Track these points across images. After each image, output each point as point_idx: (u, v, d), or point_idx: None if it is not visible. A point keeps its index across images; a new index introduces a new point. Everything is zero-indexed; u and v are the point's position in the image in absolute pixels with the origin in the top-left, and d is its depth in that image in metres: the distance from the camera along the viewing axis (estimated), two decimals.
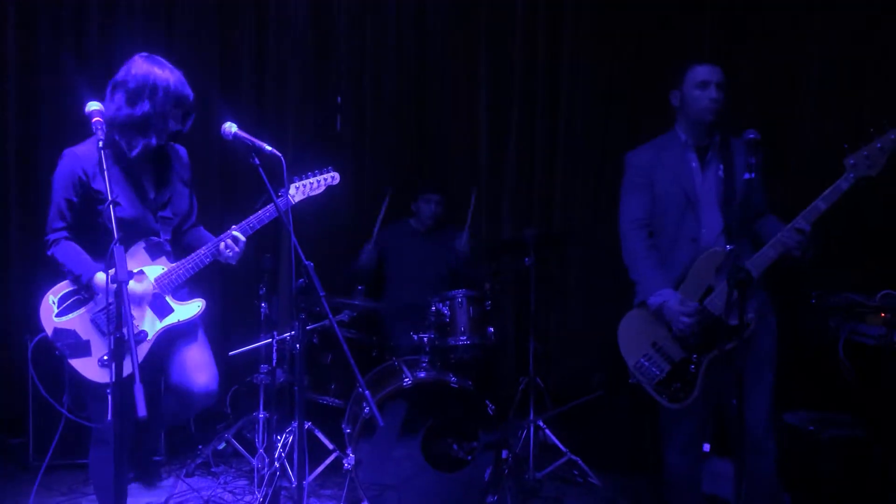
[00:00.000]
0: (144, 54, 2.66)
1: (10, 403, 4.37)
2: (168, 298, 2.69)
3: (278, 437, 3.79)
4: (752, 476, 2.82)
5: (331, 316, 2.50)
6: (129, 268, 2.60)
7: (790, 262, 2.81)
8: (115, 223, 2.48)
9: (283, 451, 3.76)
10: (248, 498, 3.79)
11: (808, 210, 2.72)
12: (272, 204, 2.84)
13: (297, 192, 2.94)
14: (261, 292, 4.02)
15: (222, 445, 4.14)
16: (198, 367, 2.72)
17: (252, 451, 3.99)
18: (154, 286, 2.64)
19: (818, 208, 2.71)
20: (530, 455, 4.06)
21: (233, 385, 4.60)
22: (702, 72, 2.95)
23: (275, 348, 3.70)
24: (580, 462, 4.12)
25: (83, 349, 2.52)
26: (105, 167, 2.24)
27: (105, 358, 2.54)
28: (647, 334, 3.05)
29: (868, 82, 4.80)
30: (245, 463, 4.12)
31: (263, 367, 3.92)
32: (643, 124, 5.14)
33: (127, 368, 2.51)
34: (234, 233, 2.70)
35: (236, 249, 2.70)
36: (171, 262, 2.70)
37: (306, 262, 2.44)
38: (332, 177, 3.04)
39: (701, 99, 2.93)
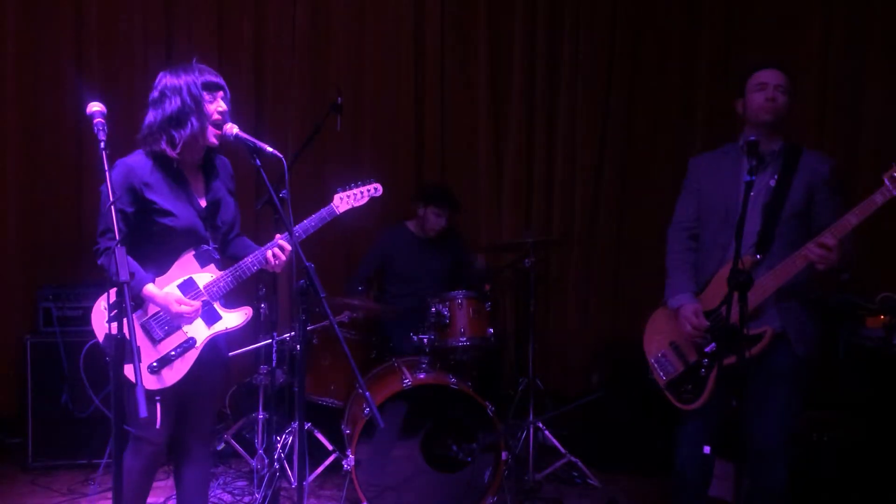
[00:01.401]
0: (164, 70, 2.67)
1: (8, 403, 4.37)
2: (216, 306, 2.71)
3: (278, 438, 3.79)
4: (761, 487, 2.81)
5: (331, 317, 2.49)
6: (180, 276, 2.64)
7: (829, 278, 2.71)
8: (168, 230, 2.56)
9: (283, 451, 3.76)
10: (247, 499, 3.78)
11: (837, 224, 2.58)
12: (319, 213, 2.85)
13: (342, 202, 2.96)
14: (260, 293, 4.02)
15: (221, 446, 4.14)
16: (212, 411, 2.87)
17: (251, 451, 3.99)
18: (203, 293, 2.65)
19: (849, 222, 2.56)
20: (530, 456, 4.07)
21: (232, 386, 4.60)
22: (761, 75, 2.92)
23: (274, 349, 3.70)
24: (579, 463, 4.12)
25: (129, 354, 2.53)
26: (106, 168, 2.23)
27: (155, 364, 2.56)
28: (667, 333, 3.06)
29: (866, 98, 4.83)
30: (244, 464, 4.12)
31: (263, 368, 3.92)
32: (640, 126, 5.17)
33: (175, 376, 2.59)
34: (281, 242, 2.71)
35: (283, 258, 2.71)
36: (220, 270, 2.72)
37: (307, 264, 2.44)
38: (374, 188, 3.07)
39: (757, 98, 2.90)
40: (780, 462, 2.84)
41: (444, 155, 5.13)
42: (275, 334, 3.72)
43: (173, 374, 2.59)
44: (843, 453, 3.54)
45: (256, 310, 4.05)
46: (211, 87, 2.63)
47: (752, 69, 2.96)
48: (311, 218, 2.84)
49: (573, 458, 4.13)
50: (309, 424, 3.85)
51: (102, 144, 2.26)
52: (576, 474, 4.14)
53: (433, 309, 3.96)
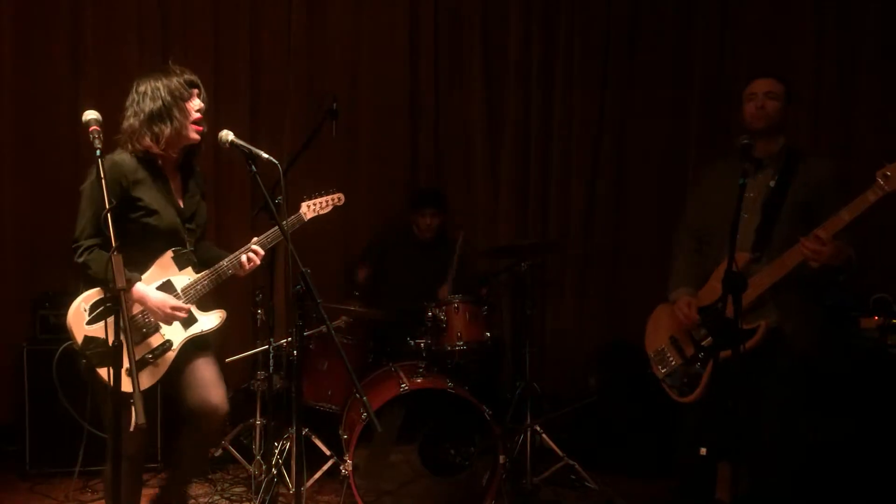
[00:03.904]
0: (141, 75, 2.72)
1: (5, 411, 4.37)
2: (192, 308, 2.72)
3: (275, 444, 3.79)
4: (763, 483, 2.82)
5: (328, 322, 2.50)
6: (158, 277, 2.65)
7: (827, 278, 2.74)
8: (151, 230, 2.58)
9: (280, 457, 3.76)
10: None
11: (831, 220, 2.61)
12: (289, 220, 2.94)
13: (309, 210, 3.15)
14: (257, 298, 4.02)
15: (219, 452, 4.13)
16: (214, 384, 2.76)
17: (249, 457, 3.99)
18: (181, 296, 2.66)
19: (841, 219, 2.59)
20: (527, 459, 4.06)
21: (229, 391, 4.59)
22: (751, 86, 3.02)
23: (271, 354, 3.70)
24: (577, 466, 4.12)
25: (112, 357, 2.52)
26: (102, 175, 2.24)
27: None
28: (667, 328, 3.15)
29: (860, 95, 4.85)
30: (242, 470, 4.11)
31: (260, 374, 3.92)
32: (636, 128, 5.19)
33: (151, 379, 2.59)
34: (254, 247, 2.77)
35: (256, 262, 2.75)
36: (196, 273, 2.73)
37: (303, 269, 2.45)
38: (338, 198, 3.27)
39: (748, 108, 2.99)
40: (782, 462, 2.86)
41: (439, 160, 5.15)
42: (272, 340, 3.72)
43: (149, 377, 2.60)
44: (839, 455, 3.55)
45: (253, 315, 4.05)
46: (188, 85, 2.67)
47: (746, 81, 3.05)
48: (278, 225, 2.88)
49: (571, 462, 4.12)
50: (306, 430, 3.85)
51: (98, 152, 2.28)
52: (574, 477, 4.13)
53: (430, 313, 3.96)
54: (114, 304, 2.08)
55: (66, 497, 3.86)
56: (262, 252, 2.78)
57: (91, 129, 2.32)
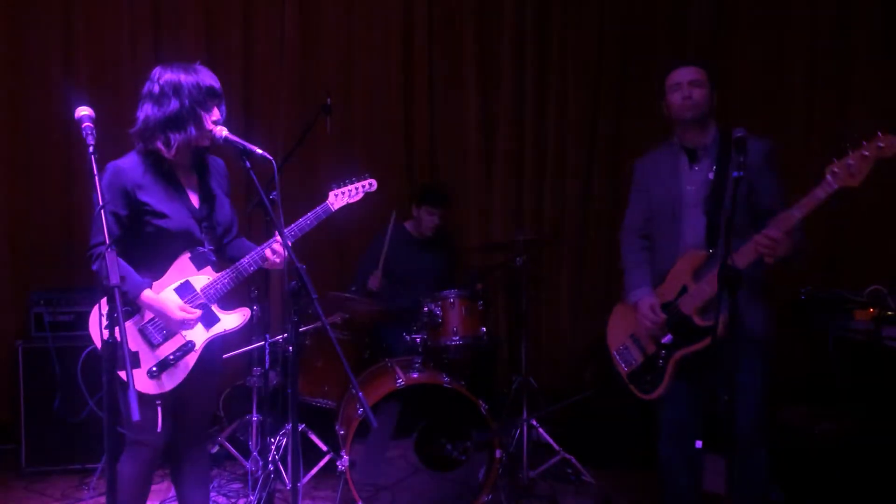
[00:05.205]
0: (163, 64, 2.65)
1: (1, 409, 4.36)
2: (214, 308, 2.69)
3: (272, 440, 3.79)
4: (743, 473, 2.83)
5: (323, 318, 2.49)
6: (176, 279, 2.62)
7: (781, 267, 2.76)
8: (162, 232, 2.54)
9: (277, 453, 3.76)
10: (242, 501, 3.78)
11: (781, 218, 2.63)
12: (315, 211, 2.85)
13: (337, 199, 2.97)
14: (253, 295, 4.02)
15: (216, 449, 4.13)
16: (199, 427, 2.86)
17: (245, 454, 3.99)
18: (201, 296, 2.64)
19: (792, 217, 2.61)
20: (524, 454, 4.08)
21: (225, 388, 4.60)
22: (673, 75, 2.99)
23: (267, 351, 3.70)
24: (573, 460, 4.13)
25: (132, 360, 2.49)
26: (95, 173, 2.22)
27: (154, 369, 2.55)
28: (627, 326, 3.13)
29: (853, 96, 4.86)
30: (239, 466, 4.12)
31: (256, 370, 3.92)
32: (631, 128, 5.19)
33: (175, 380, 2.59)
34: (279, 238, 2.70)
35: (283, 254, 2.69)
36: (216, 272, 2.70)
37: (299, 265, 2.44)
38: (369, 183, 3.06)
39: (674, 98, 2.97)
40: (757, 447, 2.87)
41: (434, 155, 5.15)
42: (267, 336, 3.72)
43: (173, 379, 2.58)
44: (834, 446, 3.56)
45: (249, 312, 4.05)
46: (212, 95, 2.61)
47: (666, 71, 3.01)
48: (306, 216, 2.84)
49: (567, 456, 4.14)
50: (303, 426, 3.86)
51: (91, 149, 2.25)
52: (570, 471, 4.15)
53: (426, 308, 3.96)
54: (109, 302, 2.06)
55: (62, 495, 3.87)
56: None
57: (84, 125, 2.29)
